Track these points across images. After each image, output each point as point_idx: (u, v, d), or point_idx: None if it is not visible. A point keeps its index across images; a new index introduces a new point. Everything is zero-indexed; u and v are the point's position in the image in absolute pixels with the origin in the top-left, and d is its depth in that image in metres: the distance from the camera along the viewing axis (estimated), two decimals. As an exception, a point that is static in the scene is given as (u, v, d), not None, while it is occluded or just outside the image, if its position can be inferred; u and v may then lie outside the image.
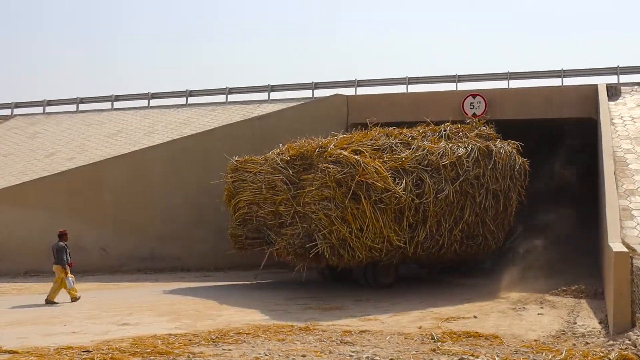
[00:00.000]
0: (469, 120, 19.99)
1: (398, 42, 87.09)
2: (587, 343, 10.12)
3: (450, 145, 17.64)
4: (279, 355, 8.69)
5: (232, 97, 28.96)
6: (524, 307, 13.85)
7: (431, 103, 23.85)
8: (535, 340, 10.30)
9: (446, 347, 9.38)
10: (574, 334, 11.07)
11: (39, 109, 32.25)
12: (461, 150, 17.47)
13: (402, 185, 15.88)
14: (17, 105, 32.90)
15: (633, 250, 12.02)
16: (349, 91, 26.45)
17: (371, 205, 15.41)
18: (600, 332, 11.18)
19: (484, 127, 19.33)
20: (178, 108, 29.05)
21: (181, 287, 17.68)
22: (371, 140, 17.31)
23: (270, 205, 17.13)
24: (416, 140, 17.54)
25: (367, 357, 8.45)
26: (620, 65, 23.94)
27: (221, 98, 29.16)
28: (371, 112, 24.08)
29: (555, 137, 22.79)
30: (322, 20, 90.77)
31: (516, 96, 23.49)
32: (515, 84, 25.03)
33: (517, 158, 18.61)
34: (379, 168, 15.74)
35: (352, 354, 8.70)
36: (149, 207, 22.22)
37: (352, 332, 10.89)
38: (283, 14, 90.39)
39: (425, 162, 16.70)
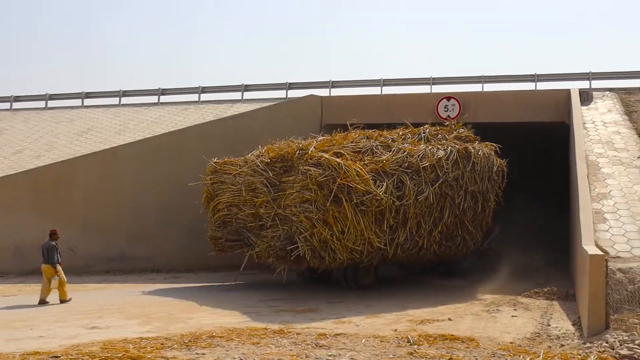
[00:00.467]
0: (447, 123, 20.06)
1: (373, 44, 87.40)
2: (562, 345, 10.14)
3: (430, 147, 17.71)
4: None
5: (205, 97, 28.74)
6: (497, 309, 13.85)
7: (406, 105, 23.86)
8: (511, 343, 10.28)
9: (423, 351, 9.29)
10: (549, 336, 11.10)
11: (6, 105, 31.60)
12: (440, 153, 17.57)
13: (383, 188, 15.93)
14: (-18, 101, 32.21)
15: (606, 253, 12.11)
16: (323, 92, 26.42)
17: (352, 208, 15.40)
18: (574, 334, 11.22)
19: (463, 130, 19.43)
20: (150, 106, 28.71)
21: (151, 289, 17.38)
22: (352, 142, 17.32)
23: (250, 207, 17.03)
24: (396, 143, 17.58)
25: (344, 361, 8.33)
26: (592, 71, 24.27)
27: (194, 97, 28.93)
28: (345, 113, 24.04)
29: (529, 140, 22.95)
30: (298, 20, 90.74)
31: (490, 99, 23.64)
32: (489, 87, 25.26)
33: (495, 160, 18.77)
34: (360, 171, 15.74)
35: (329, 357, 8.57)
36: (119, 206, 21.85)
37: (327, 335, 10.72)
38: (259, 14, 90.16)
39: (406, 164, 16.77)
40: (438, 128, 19.31)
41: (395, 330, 11.32)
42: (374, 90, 26.67)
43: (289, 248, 15.59)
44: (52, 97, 30.92)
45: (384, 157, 16.64)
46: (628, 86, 23.83)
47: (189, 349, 9.45)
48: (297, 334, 10.94)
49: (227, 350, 9.37)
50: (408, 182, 16.48)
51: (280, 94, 27.90)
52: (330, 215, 15.24)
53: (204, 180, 18.52)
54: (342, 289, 17.06)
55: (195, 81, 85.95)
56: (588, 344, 8.50)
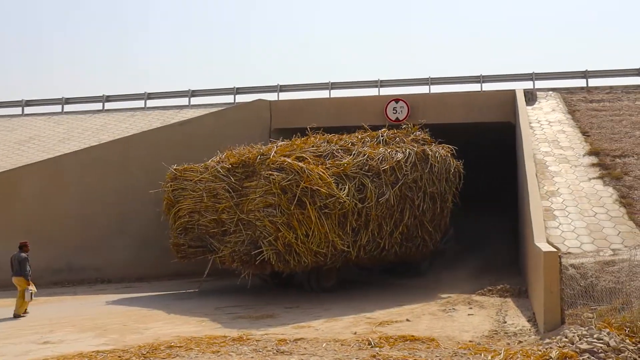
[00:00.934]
0: (404, 126, 20.31)
1: (320, 48, 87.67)
2: (520, 342, 10.28)
3: (389, 150, 17.99)
4: (217, 368, 8.40)
5: (151, 103, 28.45)
6: (453, 309, 13.96)
7: (354, 108, 24.00)
8: (470, 341, 10.36)
9: (385, 353, 9.30)
10: (506, 333, 11.24)
11: (-61, 114, 30.59)
12: (399, 155, 17.92)
13: (345, 191, 16.12)
14: None
15: (558, 249, 12.37)
16: (271, 96, 26.41)
17: (316, 211, 15.55)
18: (530, 330, 11.39)
19: (419, 132, 19.78)
20: (94, 113, 28.17)
21: (103, 300, 16.99)
22: (312, 147, 17.42)
23: (212, 213, 16.94)
24: (356, 146, 17.76)
25: (309, 367, 8.27)
26: (535, 72, 24.86)
27: (140, 103, 28.62)
28: (294, 117, 24.08)
29: (476, 140, 23.29)
30: (243, 25, 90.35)
31: (437, 101, 23.95)
32: (437, 89, 25.59)
33: (451, 161, 19.23)
34: (322, 174, 15.89)
35: (293, 364, 8.50)
36: (64, 216, 21.24)
37: (288, 341, 10.64)
38: (205, 18, 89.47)
39: (366, 167, 17.01)
40: (395, 131, 19.62)
41: (355, 333, 11.30)
42: (323, 94, 26.86)
43: (253, 253, 15.54)
44: (-10, 105, 30.10)
45: (345, 161, 16.83)
46: (570, 86, 24.49)
47: (148, 361, 9.26)
48: (256, 340, 10.82)
49: (187, 360, 9.22)
50: (369, 184, 16.74)
51: (228, 99, 27.81)
52: (294, 219, 15.31)
53: (164, 187, 18.37)
54: (298, 294, 17.03)
55: (141, 87, 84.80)
56: (547, 340, 8.64)
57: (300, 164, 15.77)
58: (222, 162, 17.42)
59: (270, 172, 15.59)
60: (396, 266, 19.67)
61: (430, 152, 18.69)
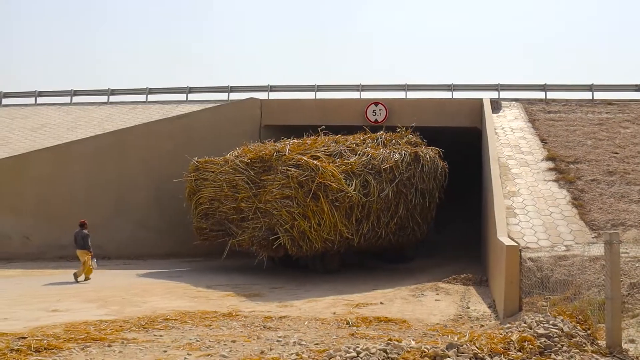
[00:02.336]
0: (399, 129, 20.61)
1: (309, 51, 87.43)
2: (482, 325, 10.34)
3: (388, 151, 18.53)
4: (210, 341, 8.32)
5: (152, 97, 28.22)
6: (422, 294, 13.97)
7: (337, 109, 24.00)
8: (437, 324, 10.40)
9: (362, 332, 9.29)
10: (469, 317, 11.29)
11: (-39, 102, 30.16)
12: (397, 156, 18.55)
13: (353, 186, 16.73)
14: (-64, 98, 30.62)
15: (518, 244, 12.46)
16: (262, 95, 26.28)
17: (328, 203, 16.19)
18: (490, 315, 11.46)
19: (412, 135, 20.29)
20: (100, 105, 27.91)
21: (104, 275, 16.85)
22: (323, 146, 17.83)
23: (231, 201, 17.57)
24: (360, 147, 18.30)
25: (294, 342, 8.21)
26: (500, 83, 25.05)
27: (141, 97, 28.37)
28: (283, 115, 24.05)
29: (446, 143, 23.37)
30: (239, 26, 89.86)
31: (413, 105, 23.99)
32: (412, 94, 25.65)
33: (439, 162, 19.98)
34: (334, 171, 16.47)
35: (280, 339, 8.43)
36: (70, 198, 21.12)
37: (273, 318, 10.61)
38: (202, 17, 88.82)
39: (370, 166, 17.64)
40: (391, 134, 20.14)
41: (334, 313, 11.29)
42: (309, 95, 26.79)
43: (271, 238, 16.17)
44: (6, 95, 29.79)
45: (352, 160, 17.41)
46: (531, 97, 24.69)
47: (147, 331, 9.19)
48: (244, 317, 10.78)
49: (182, 332, 9.15)
50: (372, 181, 17.40)
51: (223, 96, 27.66)
52: (309, 210, 16.01)
53: (187, 176, 18.91)
54: (282, 276, 17.04)
55: (142, 83, 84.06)
56: (507, 325, 8.67)
57: (315, 162, 16.35)
58: (241, 156, 17.93)
59: (287, 167, 16.19)
60: (386, 252, 20.15)
61: (421, 154, 19.36)
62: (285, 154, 16.75)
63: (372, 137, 19.49)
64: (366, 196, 17.12)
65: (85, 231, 16.21)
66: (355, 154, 17.75)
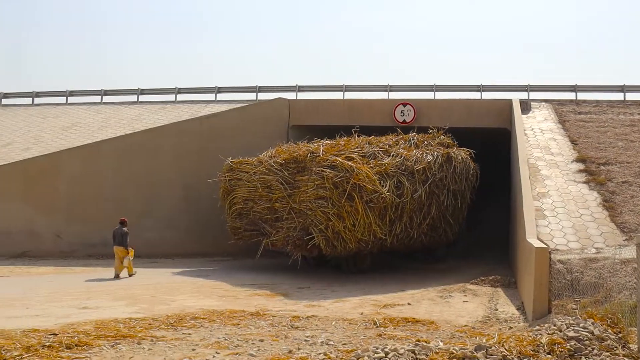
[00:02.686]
0: (431, 130, 20.59)
1: (337, 53, 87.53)
2: (511, 327, 10.26)
3: (421, 152, 18.50)
4: (238, 340, 8.39)
5: (181, 97, 28.45)
6: (450, 295, 13.90)
7: (365, 109, 23.93)
8: (465, 325, 10.35)
9: (390, 332, 9.29)
10: (498, 319, 11.20)
11: (-5, 101, 30.86)
12: (429, 157, 18.53)
13: (386, 187, 16.71)
14: (-27, 97, 31.34)
15: (547, 246, 12.33)
16: (290, 95, 26.34)
17: (362, 204, 16.19)
18: (519, 317, 11.36)
19: (444, 137, 20.26)
20: (130, 105, 28.25)
21: (133, 273, 17.07)
22: (357, 147, 17.88)
23: (265, 201, 17.79)
24: (394, 149, 18.32)
25: (322, 342, 8.24)
26: (530, 84, 24.73)
27: (170, 97, 28.61)
28: (310, 116, 24.05)
29: (475, 144, 23.19)
30: (268, 28, 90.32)
31: (441, 106, 23.85)
32: (440, 95, 25.49)
33: (470, 163, 19.97)
34: (368, 172, 16.48)
35: (307, 339, 8.47)
36: (100, 196, 21.42)
37: (301, 318, 10.64)
38: (231, 18, 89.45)
39: (403, 167, 17.64)
40: (423, 135, 20.10)
41: (362, 314, 11.29)
42: (337, 95, 26.78)
43: (306, 238, 16.34)
44: (39, 94, 30.29)
45: (385, 161, 17.43)
46: (561, 98, 24.38)
47: (176, 329, 9.29)
48: (272, 316, 10.84)
49: (210, 331, 9.23)
50: (406, 182, 17.39)
51: (251, 96, 27.78)
52: (344, 211, 16.09)
53: (221, 176, 19.08)
54: (309, 276, 17.05)
55: (172, 83, 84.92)
56: (536, 327, 8.60)
57: (350, 163, 16.43)
58: (274, 157, 18.08)
59: (322, 168, 16.33)
60: (417, 252, 20.18)
61: (453, 155, 19.37)
62: (320, 155, 16.90)
63: (404, 139, 19.52)
64: (399, 197, 17.13)
65: (125, 229, 16.74)
66: (389, 155, 17.79)
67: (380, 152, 17.89)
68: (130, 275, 16.40)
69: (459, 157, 19.55)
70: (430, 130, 20.58)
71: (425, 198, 17.99)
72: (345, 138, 19.15)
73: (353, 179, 16.03)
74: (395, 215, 17.18)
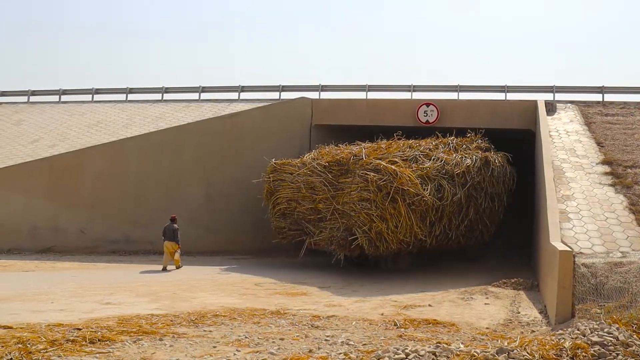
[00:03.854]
0: (469, 134, 20.84)
1: (360, 52, 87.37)
2: (533, 331, 10.16)
3: (460, 156, 19.14)
4: (259, 338, 8.43)
5: (204, 96, 28.56)
6: (471, 297, 13.79)
7: (388, 109, 23.84)
8: (487, 328, 10.27)
9: (410, 334, 9.26)
10: (520, 322, 11.10)
11: (24, 98, 31.33)
12: (468, 161, 18.99)
13: (428, 190, 17.19)
14: (3, 93, 31.88)
15: (571, 249, 12.17)
16: (313, 94, 26.30)
17: (405, 207, 16.71)
18: (542, 321, 11.24)
19: (481, 141, 20.58)
20: (154, 103, 28.44)
21: (155, 270, 17.24)
22: (399, 151, 18.37)
23: (309, 202, 18.40)
24: (434, 152, 18.79)
25: (342, 342, 8.25)
26: (556, 85, 24.44)
27: (194, 96, 28.73)
28: (333, 115, 24.04)
29: (499, 144, 23.00)
30: (290, 26, 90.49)
31: (465, 106, 23.68)
32: (464, 95, 25.29)
33: (507, 167, 20.34)
34: (411, 176, 16.97)
35: (328, 338, 8.49)
36: (124, 193, 21.64)
37: (321, 317, 10.65)
38: (255, 19, 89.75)
39: (443, 171, 18.11)
40: (462, 139, 20.42)
41: (382, 314, 11.26)
42: (360, 95, 26.69)
43: (350, 238, 16.88)
44: (65, 92, 30.63)
45: (427, 165, 17.89)
46: (587, 99, 24.06)
47: (197, 326, 9.36)
48: (292, 315, 10.87)
49: (231, 329, 9.29)
50: (446, 185, 17.85)
51: (274, 95, 27.77)
52: (387, 213, 16.53)
53: (265, 177, 19.65)
54: (329, 275, 17.05)
55: (196, 81, 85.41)
56: (560, 331, 8.51)
57: (393, 167, 16.87)
58: (317, 159, 18.71)
59: (366, 172, 16.81)
60: (453, 252, 20.48)
61: (491, 159, 19.72)
62: (362, 158, 17.43)
63: (443, 142, 19.87)
64: (440, 200, 17.53)
65: (175, 225, 17.80)
66: (429, 159, 18.19)
67: (421, 155, 18.30)
68: (177, 268, 17.49)
69: (497, 161, 19.98)
70: (469, 134, 20.79)
71: (464, 201, 18.39)
72: (386, 141, 19.56)
73: (396, 182, 16.46)
74: (435, 217, 17.62)
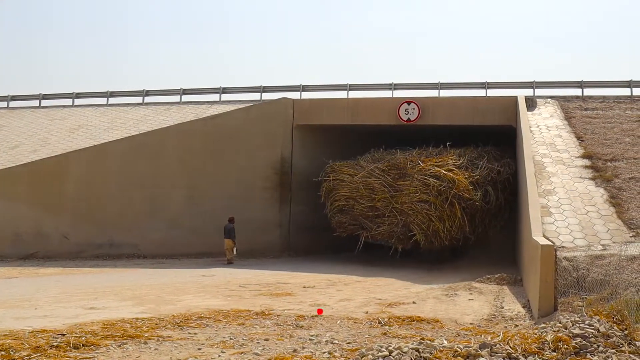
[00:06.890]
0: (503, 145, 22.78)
1: (341, 52, 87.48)
2: (517, 325, 10.24)
3: (501, 165, 21.59)
4: (244, 339, 8.42)
5: (186, 98, 28.47)
6: (455, 294, 13.88)
7: (369, 108, 23.86)
8: (471, 324, 10.34)
9: (395, 331, 9.29)
10: (503, 317, 11.19)
11: (3, 104, 31.04)
12: (507, 169, 21.58)
13: (478, 195, 19.75)
14: (-19, 99, 31.50)
15: (553, 243, 12.29)
16: (295, 95, 26.27)
17: (460, 209, 19.37)
18: (525, 315, 11.35)
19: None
20: (135, 106, 28.31)
21: (140, 273, 17.14)
22: (451, 159, 20.42)
23: (367, 201, 20.76)
24: (481, 161, 20.99)
25: (327, 341, 8.26)
26: (535, 80, 24.61)
27: (175, 98, 28.64)
28: (315, 115, 24.04)
29: (479, 141, 23.17)
30: (273, 26, 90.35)
31: (446, 104, 23.71)
32: (445, 93, 25.40)
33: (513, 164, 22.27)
34: (466, 183, 19.46)
35: (312, 338, 8.49)
36: (106, 198, 21.55)
37: (305, 317, 10.64)
38: (238, 19, 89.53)
39: (489, 178, 20.78)
40: (501, 148, 22.62)
41: (367, 313, 11.29)
42: (341, 94, 26.73)
43: (409, 234, 19.74)
44: (45, 96, 30.41)
45: (476, 172, 20.28)
46: (567, 94, 24.26)
47: (182, 329, 9.31)
48: (277, 315, 10.84)
49: (216, 330, 9.26)
50: (492, 191, 20.61)
51: (255, 96, 27.74)
52: (445, 214, 19.31)
53: (324, 177, 21.91)
54: (312, 275, 17.10)
55: (177, 84, 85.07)
56: (542, 324, 8.59)
57: (451, 174, 19.40)
58: (374, 162, 21.09)
59: (425, 177, 19.51)
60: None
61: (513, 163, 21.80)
62: (419, 164, 19.92)
63: (485, 151, 21.90)
64: (487, 204, 20.31)
65: (232, 225, 20.35)
66: (477, 167, 20.46)
67: (470, 164, 20.48)
68: (227, 263, 19.93)
69: (513, 165, 22.03)
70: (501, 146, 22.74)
71: (503, 205, 21.20)
72: (436, 148, 21.42)
73: (455, 189, 19.03)
74: (481, 218, 20.38)
